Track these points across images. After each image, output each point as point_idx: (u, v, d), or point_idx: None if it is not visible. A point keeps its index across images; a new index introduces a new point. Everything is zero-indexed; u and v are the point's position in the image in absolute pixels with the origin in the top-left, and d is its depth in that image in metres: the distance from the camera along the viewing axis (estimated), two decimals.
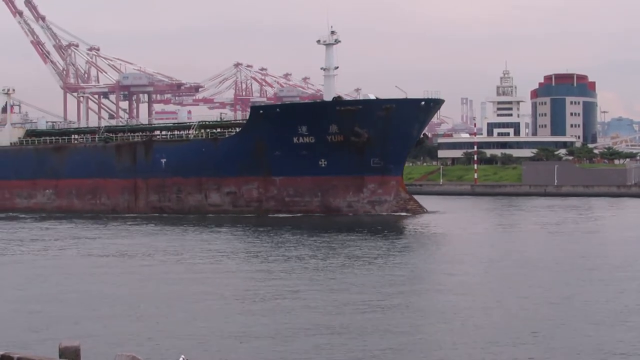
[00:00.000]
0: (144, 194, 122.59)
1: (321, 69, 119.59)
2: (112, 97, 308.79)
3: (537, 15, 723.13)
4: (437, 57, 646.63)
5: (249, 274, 55.25)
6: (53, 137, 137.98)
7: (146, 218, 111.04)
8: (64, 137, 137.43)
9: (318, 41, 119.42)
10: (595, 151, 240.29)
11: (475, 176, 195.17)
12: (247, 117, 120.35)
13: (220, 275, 54.14)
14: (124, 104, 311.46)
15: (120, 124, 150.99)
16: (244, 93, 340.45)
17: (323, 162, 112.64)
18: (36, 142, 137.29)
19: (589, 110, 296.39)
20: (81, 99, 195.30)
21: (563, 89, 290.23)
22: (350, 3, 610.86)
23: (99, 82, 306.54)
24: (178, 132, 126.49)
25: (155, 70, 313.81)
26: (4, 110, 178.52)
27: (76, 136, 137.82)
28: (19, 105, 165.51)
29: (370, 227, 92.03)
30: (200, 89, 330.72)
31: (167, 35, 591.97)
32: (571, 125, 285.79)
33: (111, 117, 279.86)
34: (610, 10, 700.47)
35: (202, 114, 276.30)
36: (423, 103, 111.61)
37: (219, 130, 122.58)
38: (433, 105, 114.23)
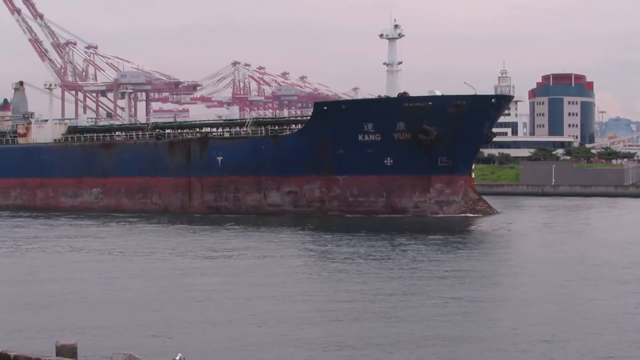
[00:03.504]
0: (199, 193, 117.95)
1: (384, 64, 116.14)
2: (110, 95, 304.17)
3: (535, 15, 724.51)
4: (435, 57, 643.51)
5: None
6: (99, 134, 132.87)
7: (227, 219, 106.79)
8: (109, 134, 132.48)
9: (381, 35, 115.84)
10: (593, 151, 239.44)
11: (473, 175, 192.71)
12: (311, 114, 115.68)
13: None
14: (122, 103, 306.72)
15: (169, 120, 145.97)
16: (241, 92, 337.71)
17: (389, 161, 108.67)
18: (81, 138, 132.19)
19: (586, 110, 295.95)
20: (119, 94, 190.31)
21: (561, 89, 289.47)
22: (350, 3, 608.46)
23: (96, 81, 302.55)
24: (231, 130, 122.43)
25: (153, 69, 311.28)
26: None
27: (119, 133, 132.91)
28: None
29: (455, 232, 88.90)
30: (198, 88, 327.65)
31: (165, 34, 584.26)
32: (569, 125, 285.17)
33: (109, 115, 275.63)
34: (609, 11, 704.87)
35: (200, 112, 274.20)
36: (494, 100, 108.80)
37: (276, 127, 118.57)
38: (504, 102, 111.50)
